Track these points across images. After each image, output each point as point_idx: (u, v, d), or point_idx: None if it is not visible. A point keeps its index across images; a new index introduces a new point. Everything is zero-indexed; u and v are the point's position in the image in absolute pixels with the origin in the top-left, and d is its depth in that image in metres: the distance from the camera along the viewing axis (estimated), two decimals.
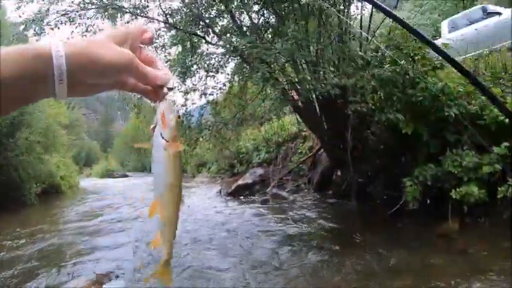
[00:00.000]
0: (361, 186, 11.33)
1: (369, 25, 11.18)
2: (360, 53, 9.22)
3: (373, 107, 8.93)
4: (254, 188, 14.42)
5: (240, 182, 14.86)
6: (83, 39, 0.94)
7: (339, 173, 12.35)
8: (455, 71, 10.14)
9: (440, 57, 9.20)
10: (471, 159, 8.00)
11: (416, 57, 8.89)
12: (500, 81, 9.41)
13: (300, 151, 14.17)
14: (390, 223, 9.09)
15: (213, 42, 11.21)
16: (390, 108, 8.62)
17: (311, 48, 9.64)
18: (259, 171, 15.00)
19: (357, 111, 9.58)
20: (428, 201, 8.53)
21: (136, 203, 14.91)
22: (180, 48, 11.57)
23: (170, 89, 0.94)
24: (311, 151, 13.61)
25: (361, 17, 11.60)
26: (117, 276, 7.51)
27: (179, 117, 0.97)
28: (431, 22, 23.54)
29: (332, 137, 11.38)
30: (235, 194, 14.41)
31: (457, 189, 7.94)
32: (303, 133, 14.52)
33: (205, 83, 11.35)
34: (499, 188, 7.16)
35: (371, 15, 11.20)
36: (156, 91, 0.94)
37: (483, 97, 8.49)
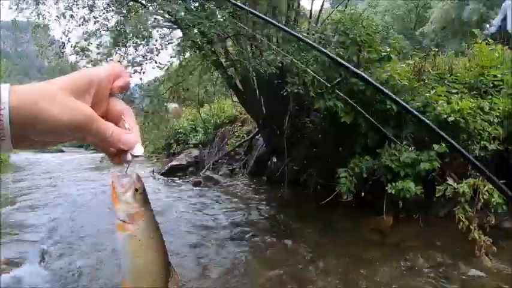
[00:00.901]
0: (296, 174, 10.53)
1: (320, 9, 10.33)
2: (305, 34, 8.24)
3: (313, 93, 8.03)
4: (188, 169, 13.35)
5: (174, 162, 13.73)
6: (34, 87, 0.66)
7: (274, 159, 11.49)
8: (403, 65, 9.67)
9: (388, 48, 8.50)
10: (409, 154, 7.28)
11: (364, 45, 8.06)
12: (445, 81, 8.81)
13: (237, 134, 13.17)
14: (324, 214, 8.31)
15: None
16: (330, 95, 7.76)
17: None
18: (195, 152, 13.92)
19: (298, 96, 8.68)
20: (363, 194, 7.77)
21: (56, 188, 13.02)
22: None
23: (135, 156, 0.74)
24: (248, 135, 12.64)
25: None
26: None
27: (137, 190, 0.75)
28: (384, 23, 23.15)
29: (270, 122, 10.44)
30: (169, 174, 13.29)
31: (393, 184, 7.22)
32: (242, 116, 13.54)
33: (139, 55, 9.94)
34: (437, 187, 6.46)
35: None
36: (119, 154, 0.74)
37: (427, 94, 7.84)
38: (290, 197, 9.83)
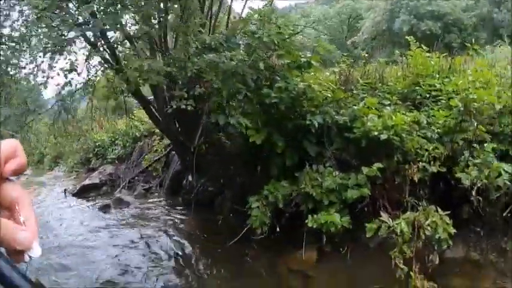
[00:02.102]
0: (212, 196, 8.44)
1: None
2: (202, 35, 6.15)
3: (212, 108, 6.03)
4: (102, 188, 10.95)
5: (87, 181, 11.27)
6: None
7: (190, 178, 9.33)
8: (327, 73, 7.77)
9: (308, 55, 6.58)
10: (333, 179, 5.37)
11: (278, 51, 6.08)
12: (375, 91, 6.99)
13: (155, 148, 10.89)
14: (235, 249, 6.23)
15: None
16: (234, 110, 5.74)
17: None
18: (110, 169, 11.52)
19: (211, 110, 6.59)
20: (278, 229, 5.79)
21: None
22: None
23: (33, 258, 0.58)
24: (166, 149, 10.41)
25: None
26: None
27: None
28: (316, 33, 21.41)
29: (182, 137, 8.26)
30: (81, 194, 10.83)
31: (314, 216, 5.28)
32: None
33: None
34: (368, 225, 4.55)
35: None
36: (17, 254, 0.57)
37: (355, 106, 5.98)
38: (200, 224, 7.74)
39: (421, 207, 4.69)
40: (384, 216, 4.41)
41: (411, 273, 4.33)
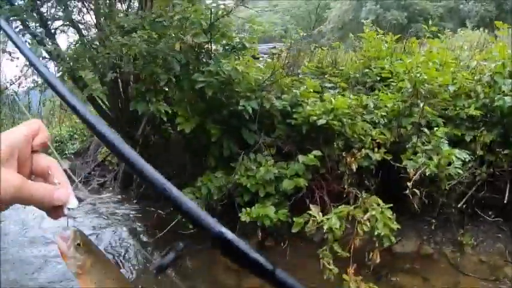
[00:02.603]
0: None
1: None
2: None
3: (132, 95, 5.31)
4: None
5: None
6: None
7: None
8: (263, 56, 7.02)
9: (247, 35, 5.86)
10: (267, 169, 4.68)
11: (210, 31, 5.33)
12: (325, 76, 6.32)
13: None
14: (170, 244, 5.45)
15: None
16: (154, 97, 5.00)
17: None
18: (65, 165, 10.53)
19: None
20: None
21: None
22: None
23: (71, 209, 0.64)
24: None
25: None
26: None
27: (79, 244, 0.66)
28: (283, 22, 20.59)
29: (125, 126, 7.49)
30: None
31: (247, 209, 4.60)
32: None
33: None
34: (295, 219, 3.87)
35: None
36: (55, 210, 0.63)
37: (298, 90, 5.29)
38: (142, 218, 7.00)
39: (361, 199, 4.01)
40: (314, 209, 3.73)
41: (345, 275, 3.65)
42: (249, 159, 5.12)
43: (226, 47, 5.29)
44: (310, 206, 3.81)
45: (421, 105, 4.74)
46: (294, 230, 3.80)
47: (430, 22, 6.72)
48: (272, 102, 5.15)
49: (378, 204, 3.96)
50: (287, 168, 4.79)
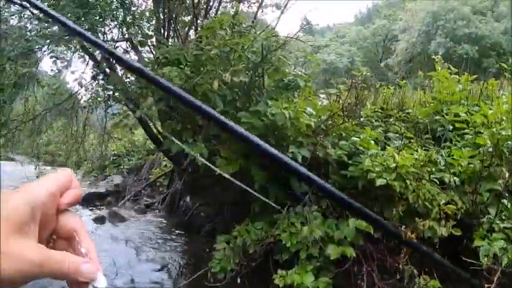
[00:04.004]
0: (204, 221, 7.14)
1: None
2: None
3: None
4: (106, 199, 9.88)
5: (93, 190, 10.30)
6: None
7: (188, 199, 8.10)
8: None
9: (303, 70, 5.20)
10: (312, 229, 3.94)
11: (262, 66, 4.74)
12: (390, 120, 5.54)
13: (165, 163, 9.74)
14: None
15: None
16: (189, 137, 4.50)
17: None
18: (117, 180, 10.50)
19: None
20: (238, 281, 4.44)
21: None
22: None
23: None
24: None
25: None
26: None
27: None
28: (350, 54, 19.66)
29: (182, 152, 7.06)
30: (86, 203, 9.78)
31: (282, 272, 3.87)
32: None
33: None
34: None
35: None
36: (78, 285, 0.52)
37: (356, 138, 4.53)
38: (181, 252, 6.44)
39: (417, 285, 3.12)
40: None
41: None
42: (295, 212, 4.38)
43: (280, 84, 4.61)
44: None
45: (504, 170, 3.75)
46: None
47: (503, 57, 5.67)
48: (327, 151, 4.39)
49: None
50: (336, 230, 3.99)
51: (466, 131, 4.93)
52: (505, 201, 3.97)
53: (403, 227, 3.62)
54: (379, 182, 3.73)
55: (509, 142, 4.25)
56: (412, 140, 4.90)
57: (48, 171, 14.33)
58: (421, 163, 4.06)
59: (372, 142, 4.41)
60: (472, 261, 3.45)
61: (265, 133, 4.22)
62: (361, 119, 5.33)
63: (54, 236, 0.54)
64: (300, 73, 4.58)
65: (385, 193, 4.06)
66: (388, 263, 3.75)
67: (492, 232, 3.63)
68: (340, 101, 5.08)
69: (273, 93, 4.55)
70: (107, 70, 6.42)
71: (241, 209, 5.67)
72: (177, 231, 7.58)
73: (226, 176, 4.42)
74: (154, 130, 7.22)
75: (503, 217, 3.77)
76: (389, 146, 4.42)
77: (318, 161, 4.64)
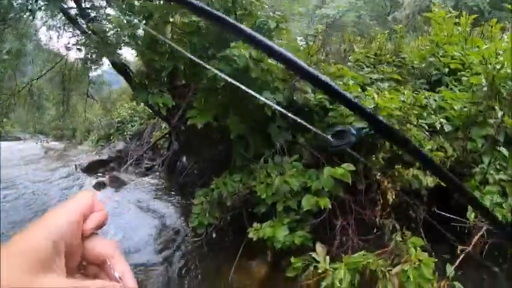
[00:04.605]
0: (195, 180, 6.92)
1: None
2: None
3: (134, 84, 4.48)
4: (109, 165, 9.76)
5: (96, 157, 10.18)
6: None
7: (184, 158, 7.88)
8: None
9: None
10: (285, 180, 3.63)
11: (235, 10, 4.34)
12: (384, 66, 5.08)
13: (165, 125, 9.49)
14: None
15: None
16: (154, 87, 4.19)
17: None
18: (120, 145, 10.33)
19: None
20: (214, 235, 4.23)
21: None
22: None
23: None
24: None
25: None
26: None
27: None
28: (356, 7, 18.59)
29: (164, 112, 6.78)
30: (89, 170, 9.72)
31: (256, 225, 3.60)
32: None
33: None
34: (293, 260, 2.77)
35: None
36: None
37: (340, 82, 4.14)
38: (174, 212, 6.26)
39: (394, 241, 2.77)
40: (318, 251, 2.58)
41: None
42: (274, 163, 4.06)
43: (252, 28, 4.21)
44: (316, 245, 2.68)
45: (500, 114, 3.31)
46: (289, 275, 2.69)
47: None
48: (305, 96, 4.01)
49: (421, 247, 2.70)
50: (314, 181, 3.66)
51: (462, 73, 4.47)
52: (502, 149, 3.55)
53: (378, 174, 3.25)
54: (357, 125, 3.35)
55: (509, 82, 3.79)
56: (403, 84, 4.47)
57: (57, 146, 14.36)
58: (408, 106, 3.64)
59: (357, 86, 4.01)
60: (459, 218, 3.09)
61: (234, 78, 3.86)
62: (350, 64, 4.90)
63: (84, 263, 0.50)
64: (272, 15, 4.14)
65: (368, 143, 3.69)
66: (368, 218, 3.41)
67: (486, 184, 3.24)
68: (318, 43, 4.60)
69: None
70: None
71: (227, 163, 5.43)
72: (173, 192, 7.41)
73: (199, 125, 4.15)
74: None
75: (499, 167, 3.36)
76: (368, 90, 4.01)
77: (301, 109, 4.28)
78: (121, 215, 6.29)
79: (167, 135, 8.87)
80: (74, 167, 10.15)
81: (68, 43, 7.27)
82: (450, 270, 2.56)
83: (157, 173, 8.86)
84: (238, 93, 4.17)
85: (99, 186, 8.18)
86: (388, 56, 5.23)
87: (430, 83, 4.82)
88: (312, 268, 2.47)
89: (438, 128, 3.77)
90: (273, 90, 3.93)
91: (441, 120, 3.78)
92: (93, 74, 9.19)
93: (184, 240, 4.98)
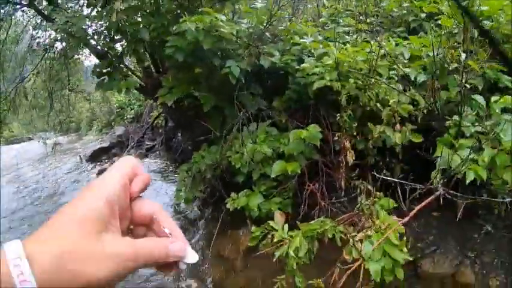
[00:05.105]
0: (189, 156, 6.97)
1: None
2: None
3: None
4: (111, 151, 9.86)
5: (97, 145, 10.28)
6: (55, 243, 0.43)
7: (179, 135, 7.91)
8: None
9: None
10: (256, 148, 3.59)
11: None
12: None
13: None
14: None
15: None
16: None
17: None
18: (119, 130, 10.36)
19: None
20: (195, 207, 4.29)
21: None
22: None
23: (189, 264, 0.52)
24: None
25: None
26: None
27: None
28: None
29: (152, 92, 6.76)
30: (94, 159, 9.82)
31: (232, 196, 3.61)
32: None
33: None
34: (253, 229, 2.75)
35: None
36: (168, 265, 0.52)
37: (305, 40, 4.00)
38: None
39: (360, 203, 2.69)
40: (276, 218, 2.55)
41: None
42: (248, 131, 4.02)
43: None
44: (275, 213, 2.64)
45: (463, 56, 3.12)
46: (250, 244, 2.67)
47: None
48: (271, 59, 3.90)
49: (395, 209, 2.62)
50: (285, 145, 3.60)
51: (440, 16, 4.24)
52: (477, 97, 3.30)
53: (337, 134, 3.16)
54: (316, 84, 3.25)
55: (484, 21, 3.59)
56: (367, 34, 4.28)
57: (63, 141, 14.54)
58: (375, 58, 3.49)
59: (326, 42, 3.86)
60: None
61: (193, 52, 3.76)
62: (323, 19, 4.73)
63: (131, 226, 0.53)
64: None
65: (335, 98, 3.57)
66: (339, 180, 3.33)
67: (460, 138, 3.02)
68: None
69: (206, 7, 4.03)
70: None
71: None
72: (170, 169, 7.48)
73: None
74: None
75: (476, 117, 3.13)
76: (343, 43, 3.86)
77: (273, 73, 4.17)
78: None
79: (163, 114, 8.87)
80: (79, 158, 10.29)
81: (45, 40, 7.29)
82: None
83: (157, 152, 8.95)
84: (204, 67, 4.10)
85: (101, 173, 8.29)
86: (364, 6, 5.02)
87: (409, 31, 4.62)
88: (270, 237, 2.45)
89: (413, 79, 3.61)
90: (236, 58, 3.84)
91: (414, 70, 3.61)
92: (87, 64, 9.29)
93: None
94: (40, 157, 11.75)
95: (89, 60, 8.91)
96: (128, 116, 11.22)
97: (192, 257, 0.51)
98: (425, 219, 3.68)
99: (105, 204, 0.46)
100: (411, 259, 2.53)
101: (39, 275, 0.40)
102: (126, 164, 0.52)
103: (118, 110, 11.84)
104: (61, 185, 8.70)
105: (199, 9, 4.01)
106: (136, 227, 0.53)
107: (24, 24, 8.17)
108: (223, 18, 3.65)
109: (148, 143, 9.46)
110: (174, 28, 3.88)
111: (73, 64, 8.53)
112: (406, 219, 2.39)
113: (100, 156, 9.87)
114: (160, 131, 9.46)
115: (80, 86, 9.89)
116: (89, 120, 13.95)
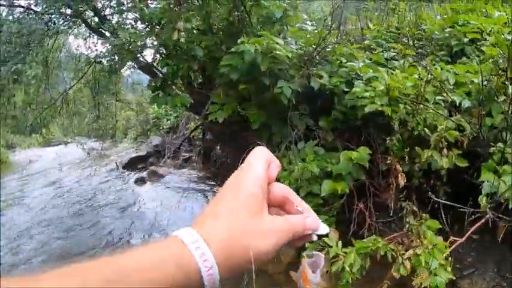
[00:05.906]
0: (231, 170, 7.18)
1: None
2: None
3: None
4: (148, 160, 10.24)
5: (134, 154, 10.70)
6: (230, 230, 0.51)
7: (218, 148, 8.18)
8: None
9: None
10: (304, 167, 3.80)
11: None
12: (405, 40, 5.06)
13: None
14: None
15: None
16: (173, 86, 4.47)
17: None
18: (156, 140, 10.78)
19: None
20: None
21: None
22: None
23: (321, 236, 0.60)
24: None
25: None
26: None
27: (327, 271, 0.67)
28: None
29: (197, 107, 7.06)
30: (130, 167, 10.24)
31: None
32: None
33: None
34: (308, 245, 2.91)
35: None
36: (301, 239, 0.58)
37: (354, 63, 4.19)
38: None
39: (408, 224, 2.86)
40: (332, 235, 2.74)
41: None
42: (297, 149, 4.22)
43: (260, 19, 4.35)
44: (330, 230, 2.83)
45: (510, 88, 3.25)
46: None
47: None
48: (320, 81, 4.11)
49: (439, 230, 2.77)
50: (334, 165, 3.79)
51: (482, 42, 4.37)
52: None
53: (389, 158, 3.33)
54: (368, 108, 3.45)
55: None
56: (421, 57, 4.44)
57: (98, 147, 15.09)
58: (423, 84, 3.66)
59: (374, 66, 4.05)
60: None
61: (247, 72, 4.02)
62: (367, 42, 4.91)
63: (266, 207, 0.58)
64: (278, 3, 4.25)
65: (383, 122, 3.75)
66: (387, 200, 3.50)
67: (503, 164, 3.13)
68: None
69: (258, 30, 4.30)
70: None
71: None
72: (209, 182, 7.74)
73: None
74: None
75: None
76: (391, 68, 4.05)
77: (320, 94, 4.36)
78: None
79: (201, 126, 9.18)
80: (115, 165, 10.71)
81: (92, 51, 7.66)
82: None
83: (194, 164, 9.25)
84: (255, 85, 4.35)
85: (139, 181, 8.67)
86: (407, 29, 5.18)
87: (451, 55, 4.74)
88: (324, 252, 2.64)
89: (457, 105, 3.72)
90: (287, 78, 4.07)
91: (459, 95, 3.74)
92: (126, 75, 9.72)
93: None
94: (78, 161, 12.27)
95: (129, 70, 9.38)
96: (164, 127, 11.61)
97: (324, 229, 0.59)
98: (466, 241, 3.81)
99: (260, 188, 0.54)
100: (454, 278, 2.70)
101: (216, 254, 0.48)
102: (263, 152, 0.59)
103: (154, 120, 12.27)
104: (95, 189, 9.02)
105: (249, 29, 4.29)
106: (270, 207, 0.58)
107: (74, 36, 8.57)
108: (280, 41, 3.90)
109: (184, 154, 9.79)
110: (226, 47, 4.15)
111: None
112: (461, 240, 2.55)
113: (136, 164, 10.26)
114: (198, 142, 9.77)
115: (120, 95, 10.32)
116: (124, 128, 14.43)
